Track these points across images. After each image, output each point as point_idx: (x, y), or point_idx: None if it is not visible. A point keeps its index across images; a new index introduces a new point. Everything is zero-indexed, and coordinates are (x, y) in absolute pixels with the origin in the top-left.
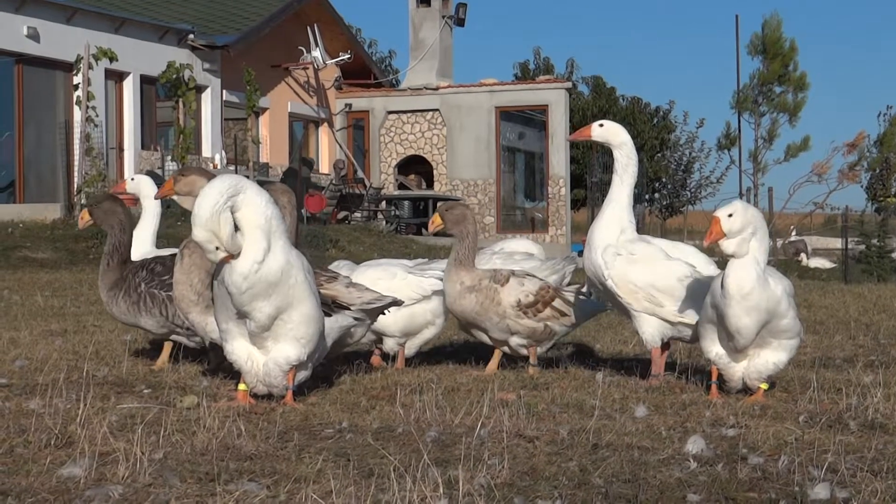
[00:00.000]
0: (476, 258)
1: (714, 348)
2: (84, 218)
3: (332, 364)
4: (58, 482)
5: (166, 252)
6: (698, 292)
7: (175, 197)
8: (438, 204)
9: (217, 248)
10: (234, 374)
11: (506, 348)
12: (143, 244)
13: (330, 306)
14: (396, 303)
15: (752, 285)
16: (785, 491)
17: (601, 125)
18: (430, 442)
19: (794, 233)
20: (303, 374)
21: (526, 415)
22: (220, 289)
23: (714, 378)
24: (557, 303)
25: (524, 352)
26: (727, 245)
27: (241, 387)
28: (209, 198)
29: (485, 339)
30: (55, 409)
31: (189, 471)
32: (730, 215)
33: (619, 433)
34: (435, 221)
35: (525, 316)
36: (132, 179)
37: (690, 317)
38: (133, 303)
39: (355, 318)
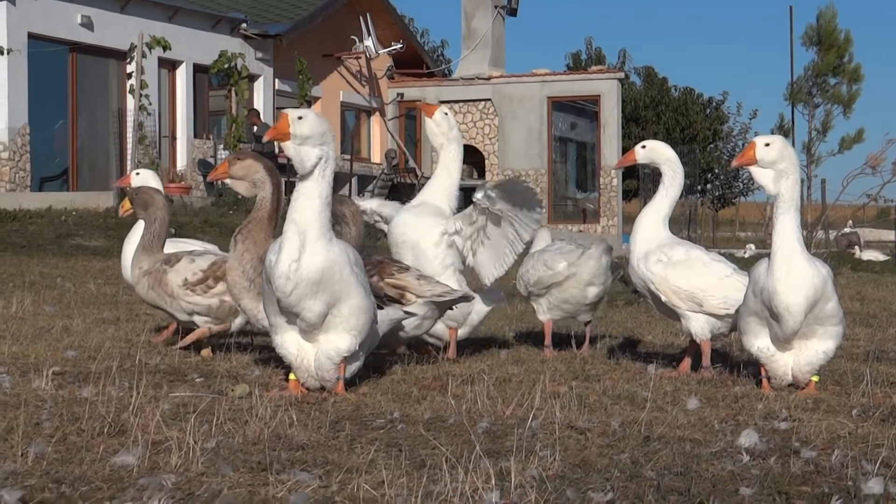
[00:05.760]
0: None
1: (756, 342)
2: None
3: (383, 355)
4: (111, 470)
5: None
6: (739, 287)
7: (228, 181)
8: (129, 191)
9: (284, 126)
10: (284, 363)
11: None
12: None
13: (382, 299)
14: (467, 297)
15: (799, 255)
16: (838, 485)
17: (644, 146)
18: (481, 433)
19: (850, 224)
20: (355, 366)
21: (577, 406)
22: (268, 287)
23: (764, 372)
24: None
25: (218, 327)
26: (758, 174)
27: (293, 376)
28: (326, 121)
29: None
30: (108, 397)
31: (241, 460)
32: (767, 144)
33: (671, 425)
34: (124, 206)
35: (194, 293)
36: (137, 174)
37: (735, 308)
38: None
39: (407, 312)
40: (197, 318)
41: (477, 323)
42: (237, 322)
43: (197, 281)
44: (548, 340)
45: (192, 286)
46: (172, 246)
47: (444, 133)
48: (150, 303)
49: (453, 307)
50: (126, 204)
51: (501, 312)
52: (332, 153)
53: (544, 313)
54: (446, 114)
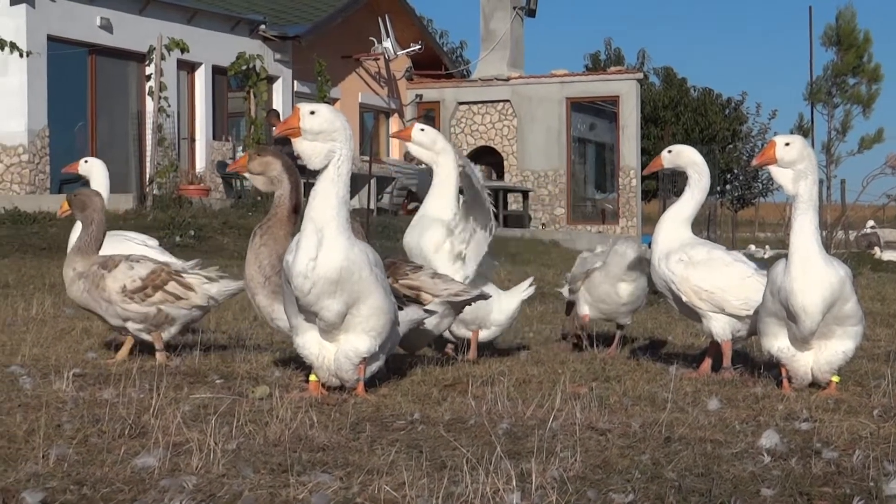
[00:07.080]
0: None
1: (776, 343)
2: None
3: (403, 356)
4: (132, 472)
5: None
6: (760, 288)
7: (247, 174)
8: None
9: (294, 120)
10: (305, 364)
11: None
12: None
13: (402, 299)
14: (483, 296)
15: (816, 255)
16: (859, 486)
17: (670, 151)
18: (502, 434)
19: (870, 224)
20: (375, 366)
21: (598, 407)
22: (287, 287)
23: (784, 373)
24: (171, 286)
25: (147, 337)
26: (777, 173)
27: (313, 378)
28: (342, 117)
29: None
30: (129, 398)
31: (262, 461)
32: (787, 144)
33: (692, 426)
34: (63, 207)
35: (132, 301)
36: (85, 162)
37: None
38: None
39: (427, 311)
40: (130, 325)
41: (504, 322)
42: (171, 331)
43: (136, 289)
44: (579, 331)
45: (131, 294)
46: (112, 243)
47: (429, 148)
48: (81, 305)
49: (470, 304)
50: (64, 205)
51: (521, 314)
52: (347, 151)
53: (584, 308)
54: (423, 129)
